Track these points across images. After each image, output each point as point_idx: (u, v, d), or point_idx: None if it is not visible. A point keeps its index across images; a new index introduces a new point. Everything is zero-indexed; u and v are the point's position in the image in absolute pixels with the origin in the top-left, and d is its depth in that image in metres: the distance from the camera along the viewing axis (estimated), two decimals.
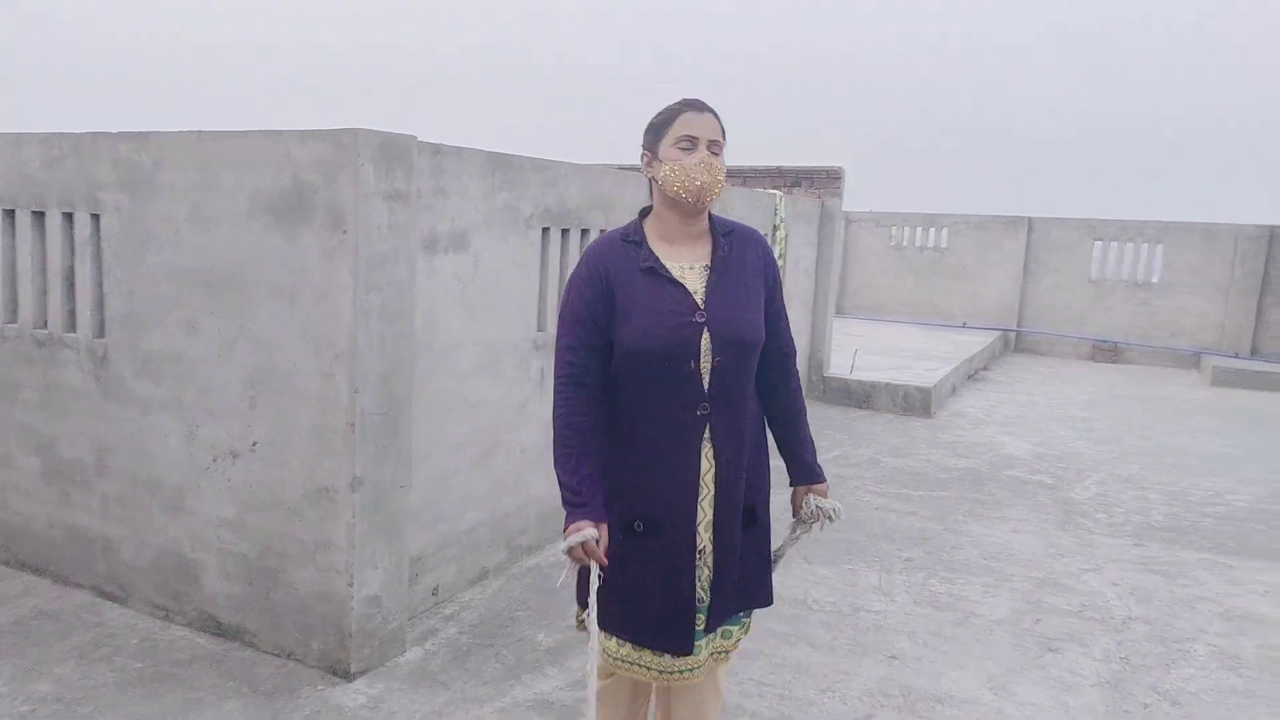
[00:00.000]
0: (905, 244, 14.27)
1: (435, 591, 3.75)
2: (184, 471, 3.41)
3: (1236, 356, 11.98)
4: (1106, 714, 3.12)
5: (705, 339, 2.03)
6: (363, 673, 3.16)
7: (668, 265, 2.07)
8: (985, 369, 11.31)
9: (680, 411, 2.05)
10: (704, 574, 2.14)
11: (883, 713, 3.07)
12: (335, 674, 3.15)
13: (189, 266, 3.27)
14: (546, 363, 4.24)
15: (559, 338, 2.11)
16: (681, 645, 2.12)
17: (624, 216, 4.74)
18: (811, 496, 2.28)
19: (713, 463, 2.10)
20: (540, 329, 4.21)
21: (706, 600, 2.15)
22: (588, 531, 2.04)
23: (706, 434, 2.07)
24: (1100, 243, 13.04)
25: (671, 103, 2.10)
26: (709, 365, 2.05)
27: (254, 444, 3.24)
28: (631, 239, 2.11)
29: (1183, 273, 12.53)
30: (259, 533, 3.27)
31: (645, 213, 2.18)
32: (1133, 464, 6.68)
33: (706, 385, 2.05)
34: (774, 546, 2.33)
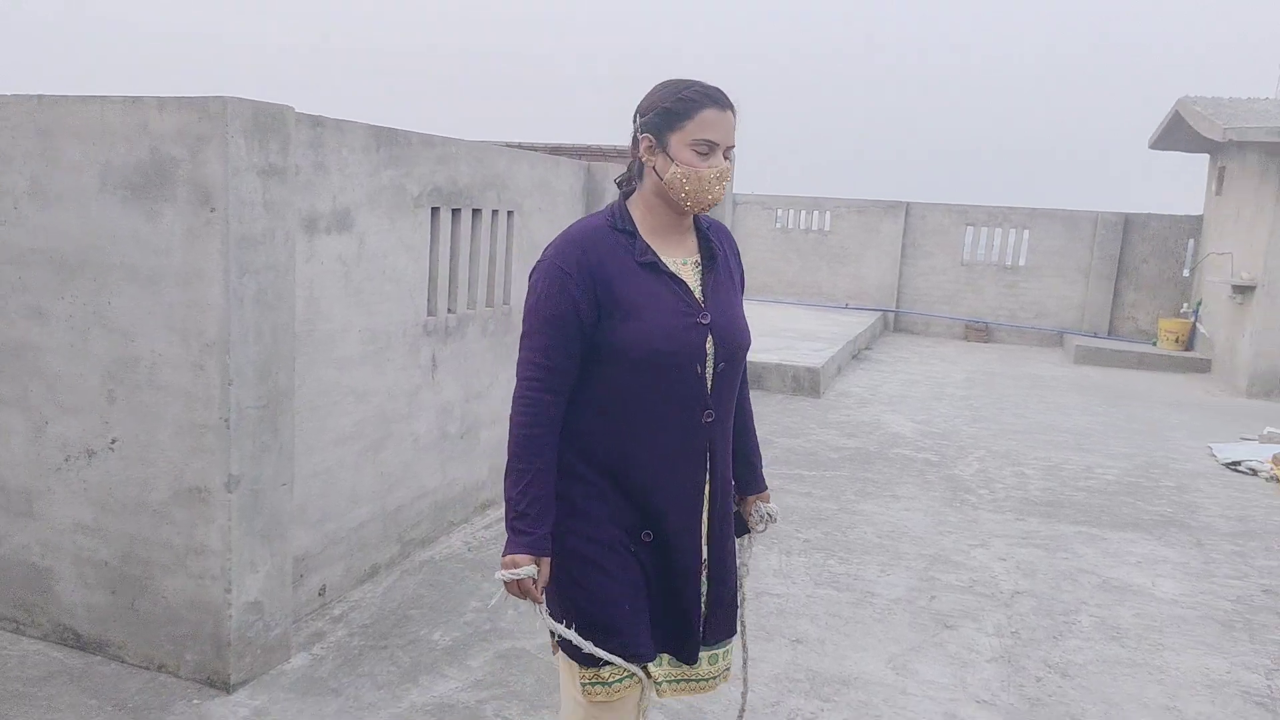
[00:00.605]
0: (790, 226, 14.52)
1: (322, 592, 3.54)
2: (31, 472, 3.09)
3: (1096, 335, 12.71)
4: (1002, 689, 3.20)
5: (709, 342, 1.87)
6: (244, 683, 2.94)
7: (665, 260, 1.87)
8: (868, 349, 11.63)
9: (687, 419, 1.87)
10: (703, 587, 2.01)
11: (790, 698, 3.06)
12: (213, 686, 2.92)
13: (32, 246, 2.94)
14: (439, 349, 4.05)
15: (527, 335, 1.85)
16: (687, 653, 1.98)
17: (518, 197, 4.57)
18: (761, 504, 2.21)
19: (709, 473, 1.95)
20: (431, 313, 4.01)
21: (705, 613, 2.02)
22: (526, 569, 1.83)
23: (707, 443, 1.92)
24: (972, 228, 13.60)
25: (689, 87, 1.83)
26: (712, 370, 1.88)
27: (113, 441, 2.95)
28: (622, 227, 1.87)
29: (1047, 256, 13.19)
30: (121, 538, 3.00)
31: (624, 194, 1.94)
32: (1010, 440, 6.96)
33: (710, 390, 1.88)
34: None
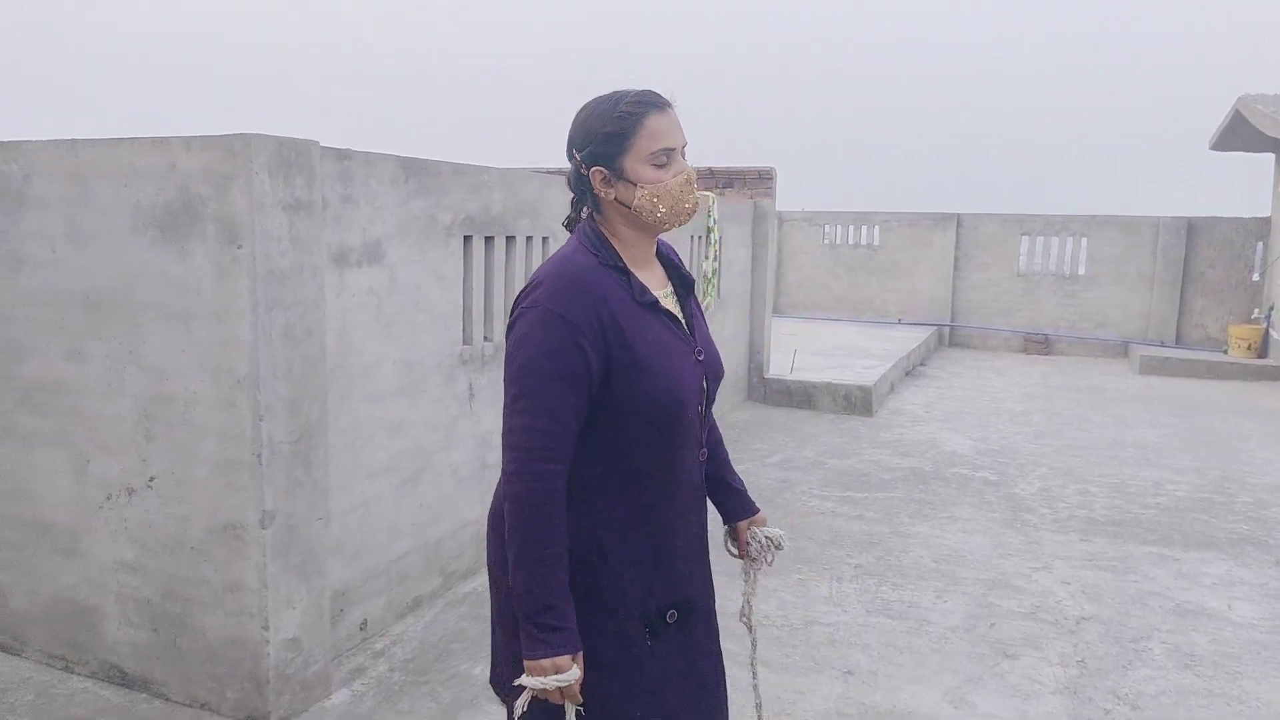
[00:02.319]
0: (838, 242, 14.32)
1: (364, 626, 3.51)
2: (76, 511, 3.12)
3: (1162, 345, 12.26)
4: None
5: (703, 379, 1.77)
6: None
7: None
8: (922, 365, 11.37)
9: (691, 465, 1.77)
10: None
11: None
12: None
13: (69, 288, 2.98)
14: (476, 378, 4.02)
15: (522, 397, 1.60)
16: None
17: (552, 223, 4.53)
18: (757, 529, 1.99)
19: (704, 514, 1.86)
20: (466, 342, 3.98)
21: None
22: (573, 672, 1.59)
23: (702, 484, 1.84)
24: (1027, 237, 13.25)
25: (621, 100, 1.66)
26: (704, 407, 1.79)
27: (151, 479, 2.96)
28: (612, 264, 1.68)
29: (1107, 265, 12.79)
30: (161, 575, 3.00)
31: (591, 227, 1.74)
32: (1072, 457, 6.70)
33: (702, 428, 1.80)
34: (739, 605, 2.06)
